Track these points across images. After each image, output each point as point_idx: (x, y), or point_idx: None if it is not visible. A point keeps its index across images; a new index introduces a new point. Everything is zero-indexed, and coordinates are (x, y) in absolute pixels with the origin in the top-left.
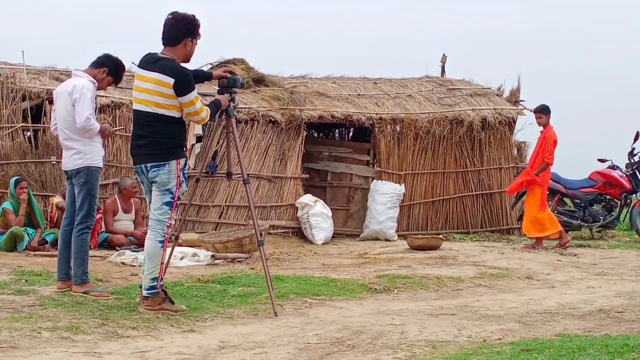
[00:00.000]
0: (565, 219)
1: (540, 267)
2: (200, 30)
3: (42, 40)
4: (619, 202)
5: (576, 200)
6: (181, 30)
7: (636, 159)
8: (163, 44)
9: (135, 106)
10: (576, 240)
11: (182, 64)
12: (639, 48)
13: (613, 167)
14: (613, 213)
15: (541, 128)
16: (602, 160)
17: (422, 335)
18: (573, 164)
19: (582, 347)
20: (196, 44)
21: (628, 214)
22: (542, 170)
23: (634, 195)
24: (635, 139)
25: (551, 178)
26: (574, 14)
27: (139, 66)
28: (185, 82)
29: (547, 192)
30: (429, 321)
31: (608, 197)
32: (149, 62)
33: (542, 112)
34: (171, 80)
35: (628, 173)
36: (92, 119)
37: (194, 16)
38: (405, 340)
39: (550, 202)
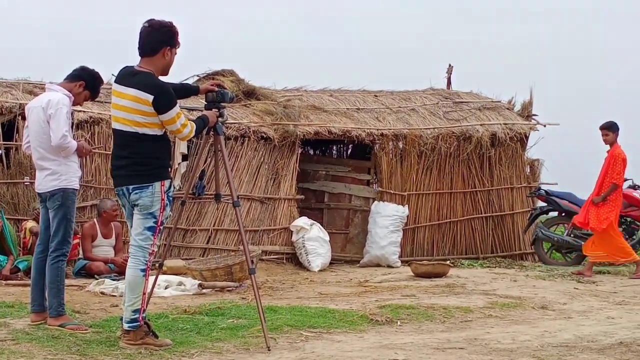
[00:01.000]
0: (582, 243)
1: (555, 296)
2: (180, 39)
3: (15, 51)
4: None
5: None
6: (159, 39)
7: None
8: (140, 55)
9: (114, 125)
10: (595, 267)
11: (161, 77)
12: None
13: (634, 186)
14: (634, 237)
15: (607, 147)
16: None
17: None
18: (590, 183)
19: None
20: (175, 53)
21: None
22: (610, 192)
23: None
24: None
25: (566, 198)
26: (589, 25)
27: (115, 81)
28: (165, 98)
29: (563, 214)
30: (435, 356)
31: (629, 219)
32: (126, 77)
33: (609, 129)
34: (150, 97)
35: None
36: (68, 136)
37: (171, 23)
38: None
39: (565, 226)
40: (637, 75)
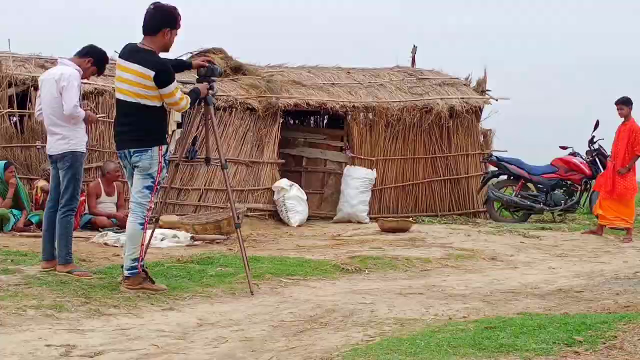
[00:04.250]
0: (528, 203)
1: (504, 249)
2: (180, 22)
3: (27, 29)
4: (579, 187)
5: (539, 186)
6: (160, 20)
7: (596, 146)
8: (143, 33)
9: (118, 95)
10: (538, 224)
11: (161, 54)
12: (603, 49)
13: (574, 154)
14: (574, 198)
15: (622, 120)
16: (563, 148)
17: (391, 314)
18: (536, 151)
19: (542, 325)
20: (175, 34)
21: (588, 199)
22: (634, 163)
23: (593, 180)
24: (595, 127)
25: (515, 164)
26: (541, 9)
27: (120, 56)
28: (165, 74)
29: (511, 177)
30: (397, 300)
31: (569, 182)
32: (130, 53)
33: (624, 104)
34: (151, 73)
35: (588, 160)
36: (79, 106)
37: (174, 7)
38: (375, 318)
39: (513, 188)
40: (570, 56)
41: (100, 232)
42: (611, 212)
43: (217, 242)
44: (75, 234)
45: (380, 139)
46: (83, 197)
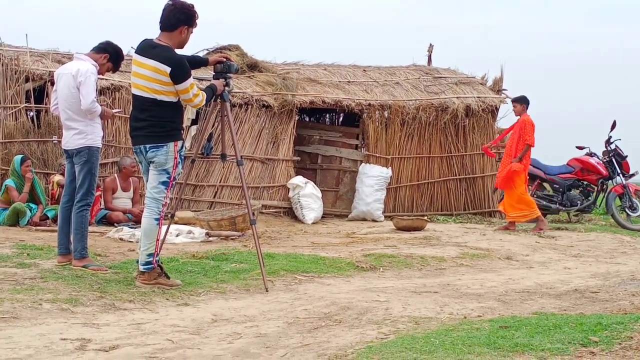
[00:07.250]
0: (544, 203)
1: (519, 249)
2: (197, 20)
3: (45, 24)
4: (596, 188)
5: (555, 186)
6: (179, 17)
7: (612, 146)
8: (160, 29)
9: (134, 91)
10: (554, 224)
11: (177, 51)
12: (619, 49)
13: (590, 154)
14: (590, 198)
15: (518, 117)
16: (580, 148)
17: (406, 312)
18: (551, 150)
19: (558, 325)
20: (192, 32)
21: (604, 199)
22: (525, 153)
23: (609, 181)
24: (612, 128)
25: (531, 164)
26: (555, 9)
27: (136, 52)
28: (181, 70)
29: (528, 178)
30: (412, 298)
31: (585, 182)
32: (146, 49)
33: (517, 101)
34: (168, 69)
35: (605, 160)
36: (96, 101)
37: (192, 6)
38: (390, 316)
39: (530, 187)
40: (590, 57)
41: (116, 227)
42: (513, 208)
43: (232, 239)
44: (90, 228)
45: (395, 137)
46: (99, 193)
